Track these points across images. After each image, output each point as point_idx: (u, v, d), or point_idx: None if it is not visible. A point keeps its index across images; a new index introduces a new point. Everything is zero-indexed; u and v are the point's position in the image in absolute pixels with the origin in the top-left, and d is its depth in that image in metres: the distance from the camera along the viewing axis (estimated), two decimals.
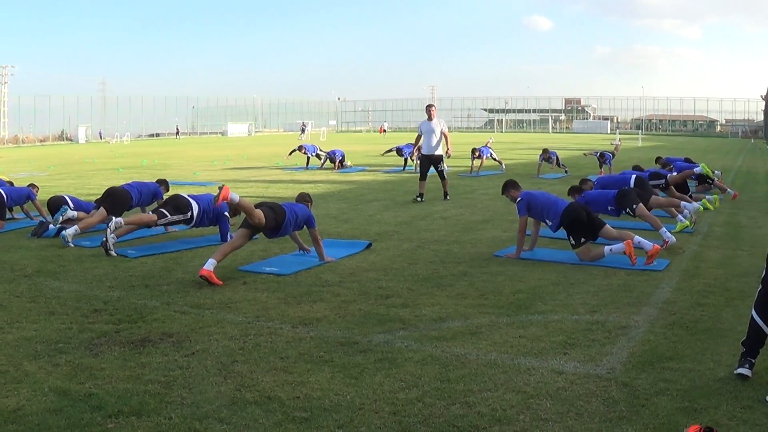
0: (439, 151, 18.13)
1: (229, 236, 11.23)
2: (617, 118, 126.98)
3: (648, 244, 9.72)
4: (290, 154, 32.71)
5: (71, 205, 12.75)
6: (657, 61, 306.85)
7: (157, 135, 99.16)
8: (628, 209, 11.65)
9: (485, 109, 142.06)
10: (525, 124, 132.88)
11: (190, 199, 11.41)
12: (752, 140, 77.09)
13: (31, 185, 14.58)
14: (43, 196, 14.91)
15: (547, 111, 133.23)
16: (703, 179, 18.51)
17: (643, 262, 9.64)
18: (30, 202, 14.22)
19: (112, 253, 10.43)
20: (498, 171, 26.99)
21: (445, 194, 18.14)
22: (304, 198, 10.59)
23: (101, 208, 11.91)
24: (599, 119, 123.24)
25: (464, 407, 4.93)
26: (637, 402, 5.00)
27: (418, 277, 9.16)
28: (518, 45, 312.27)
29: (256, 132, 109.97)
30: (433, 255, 10.61)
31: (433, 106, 18.65)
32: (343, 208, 16.21)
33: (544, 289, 8.52)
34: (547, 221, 10.44)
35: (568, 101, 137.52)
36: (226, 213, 11.63)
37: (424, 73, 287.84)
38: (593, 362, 5.89)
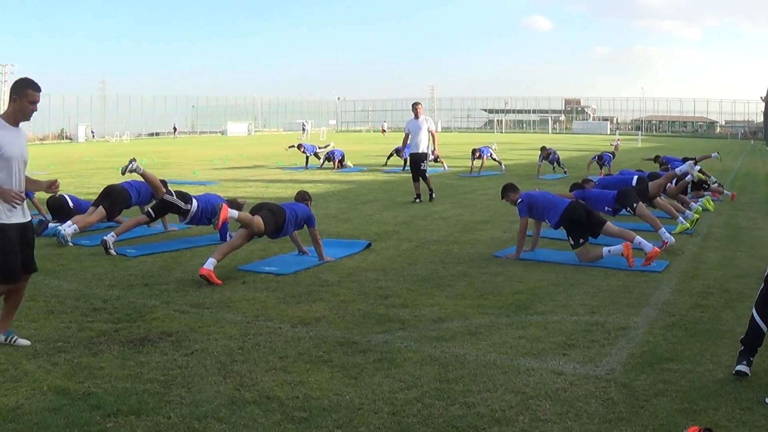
0: (423, 149, 17.87)
1: (228, 236, 11.24)
2: (617, 119, 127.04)
3: (648, 246, 9.72)
4: (289, 148, 32.80)
5: (71, 204, 12.74)
6: (657, 61, 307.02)
7: (157, 134, 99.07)
8: (628, 207, 11.65)
9: (485, 110, 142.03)
10: (525, 125, 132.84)
11: (191, 196, 11.46)
12: (752, 141, 77.09)
13: None
14: (42, 195, 14.89)
15: (546, 111, 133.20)
16: (697, 185, 18.38)
17: (642, 263, 9.63)
18: (29, 200, 14.18)
19: (112, 252, 10.44)
20: (498, 171, 26.96)
21: (431, 192, 18.03)
22: (303, 196, 10.58)
23: (100, 207, 11.89)
24: (599, 120, 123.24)
25: (463, 408, 4.93)
26: (637, 403, 5.00)
27: (418, 277, 9.16)
28: (518, 45, 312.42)
29: (255, 131, 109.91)
30: (432, 255, 10.61)
31: (419, 104, 18.44)
32: (342, 208, 16.21)
33: (543, 289, 8.52)
34: (548, 220, 10.43)
35: (567, 102, 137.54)
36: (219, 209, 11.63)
37: (424, 73, 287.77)
38: (592, 363, 5.89)
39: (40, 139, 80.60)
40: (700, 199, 16.19)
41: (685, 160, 21.29)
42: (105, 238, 10.56)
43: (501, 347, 6.31)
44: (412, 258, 10.38)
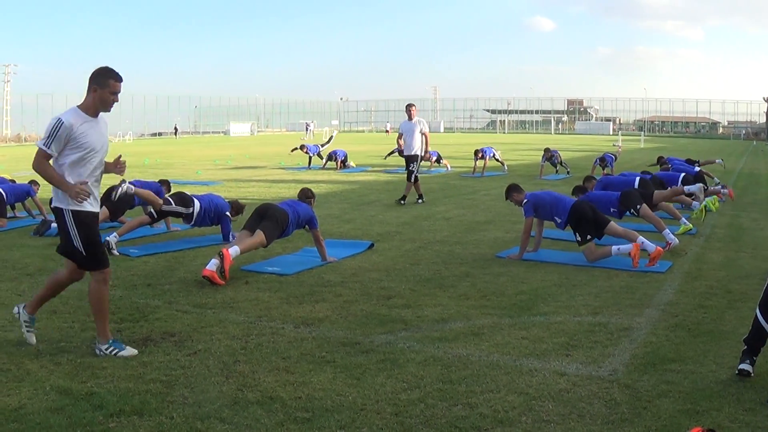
0: (416, 151, 17.63)
1: (231, 236, 11.24)
2: (619, 120, 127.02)
3: (651, 246, 9.71)
4: (292, 151, 32.81)
5: None
6: (659, 62, 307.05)
7: (160, 134, 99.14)
8: (632, 209, 11.65)
9: (487, 110, 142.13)
10: (527, 125, 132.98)
11: (193, 197, 11.45)
12: (754, 142, 77.00)
13: (33, 182, 14.55)
14: (45, 195, 14.91)
15: (549, 112, 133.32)
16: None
17: (645, 264, 9.63)
18: (30, 198, 14.22)
19: (115, 252, 10.43)
20: (500, 172, 26.95)
21: (403, 197, 17.59)
22: (306, 194, 10.56)
23: (103, 207, 11.88)
24: (602, 120, 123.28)
25: (466, 408, 4.92)
26: (639, 404, 5.00)
27: (421, 277, 9.16)
28: (521, 46, 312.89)
29: (258, 131, 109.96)
30: (435, 256, 10.60)
31: (413, 105, 18.12)
32: (345, 208, 16.21)
33: (546, 290, 8.51)
34: (556, 218, 10.43)
35: (570, 102, 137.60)
36: (228, 213, 11.63)
37: (427, 74, 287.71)
38: (595, 364, 5.88)
39: None
40: (704, 200, 16.19)
41: (689, 161, 21.34)
42: (108, 238, 10.55)
43: (504, 348, 6.30)
44: (414, 258, 10.38)
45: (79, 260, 6.13)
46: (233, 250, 8.84)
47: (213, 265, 8.66)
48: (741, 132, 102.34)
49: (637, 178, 13.95)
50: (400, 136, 18.12)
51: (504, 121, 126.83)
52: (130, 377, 5.49)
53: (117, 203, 11.96)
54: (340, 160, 29.22)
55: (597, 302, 7.93)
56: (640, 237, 9.96)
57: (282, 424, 4.65)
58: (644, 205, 11.72)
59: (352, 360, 5.96)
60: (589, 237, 10.07)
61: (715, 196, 15.94)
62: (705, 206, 13.85)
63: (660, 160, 21.15)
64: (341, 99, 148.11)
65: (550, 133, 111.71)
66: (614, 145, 40.56)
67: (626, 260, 9.86)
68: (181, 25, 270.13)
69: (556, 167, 26.60)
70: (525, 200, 10.63)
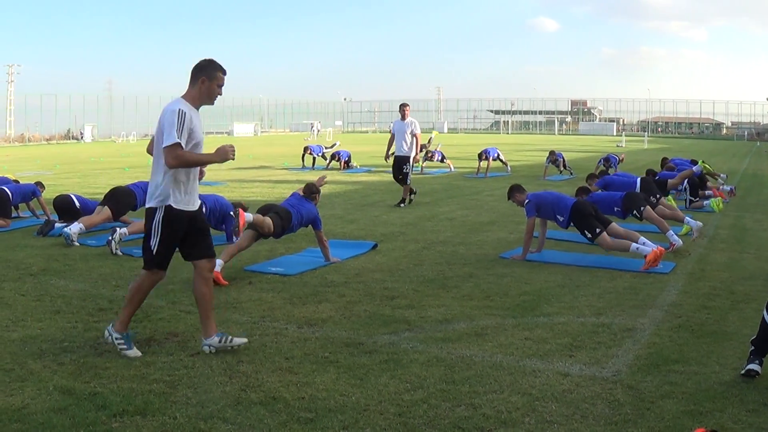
0: (407, 152, 17.37)
1: (234, 237, 11.23)
2: (623, 120, 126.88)
3: (648, 249, 9.68)
4: (303, 157, 32.18)
5: (77, 204, 12.77)
6: (663, 63, 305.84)
7: None
8: (635, 211, 11.64)
9: (491, 111, 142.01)
10: (531, 126, 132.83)
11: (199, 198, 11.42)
12: (758, 143, 76.94)
13: (38, 183, 14.56)
14: (49, 194, 14.93)
15: (553, 112, 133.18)
16: (700, 185, 18.20)
17: (641, 267, 9.61)
18: (35, 199, 14.23)
19: (118, 252, 10.43)
20: (504, 173, 26.95)
21: (402, 201, 17.22)
22: (311, 190, 10.48)
23: (106, 207, 11.89)
24: (605, 121, 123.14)
25: (469, 409, 4.92)
26: (643, 405, 5.00)
27: (424, 278, 9.16)
28: (524, 46, 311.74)
29: (262, 132, 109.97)
30: (438, 256, 10.60)
31: (407, 105, 17.78)
32: (348, 209, 16.22)
33: (549, 291, 8.51)
34: (558, 217, 10.44)
35: (574, 103, 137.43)
36: (232, 213, 11.61)
37: (430, 74, 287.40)
38: (599, 365, 5.88)
39: (47, 139, 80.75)
40: (707, 201, 16.21)
41: (693, 162, 21.33)
42: (117, 229, 10.52)
43: (507, 348, 6.30)
44: (418, 259, 10.38)
45: (146, 253, 6.19)
46: (248, 216, 8.94)
47: (218, 265, 8.65)
48: (745, 133, 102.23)
49: (639, 179, 13.96)
50: (392, 138, 17.80)
51: (508, 121, 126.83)
52: (134, 377, 5.50)
53: (119, 204, 11.96)
54: (343, 161, 29.24)
55: (600, 303, 7.93)
56: (642, 238, 9.97)
57: (285, 425, 4.65)
58: (648, 207, 11.72)
59: (355, 360, 5.96)
60: (598, 230, 10.08)
61: (719, 197, 15.96)
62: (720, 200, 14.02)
63: (664, 161, 21.15)
64: (345, 99, 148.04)
65: (554, 134, 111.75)
66: (618, 146, 40.55)
67: (630, 261, 9.87)
68: (184, 25, 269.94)
69: (560, 169, 26.59)
70: (527, 200, 10.64)
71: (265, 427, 4.61)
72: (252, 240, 9.37)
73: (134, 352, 6.05)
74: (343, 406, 4.97)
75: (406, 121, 17.41)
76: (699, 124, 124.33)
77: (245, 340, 6.25)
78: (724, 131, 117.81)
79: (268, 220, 9.27)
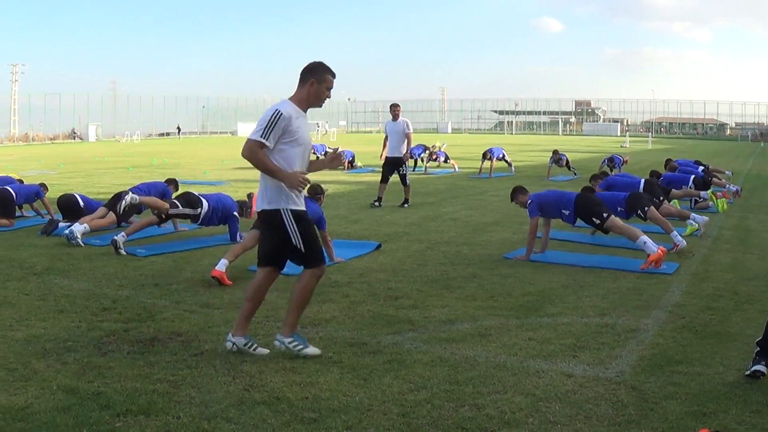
0: (400, 153, 17.16)
1: (238, 236, 11.24)
2: (627, 121, 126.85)
3: (652, 249, 9.67)
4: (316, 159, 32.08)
5: (81, 203, 12.78)
6: (667, 63, 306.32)
7: (167, 134, 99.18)
8: (639, 211, 11.64)
9: (495, 111, 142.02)
10: (535, 126, 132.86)
11: (201, 197, 11.45)
12: (762, 143, 76.85)
13: (42, 185, 14.56)
14: (53, 194, 14.94)
15: (557, 113, 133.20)
16: (703, 185, 18.19)
17: (641, 266, 9.61)
18: (39, 200, 14.23)
19: (122, 251, 10.44)
20: (508, 173, 26.94)
21: (406, 201, 17.14)
22: (316, 191, 10.52)
23: (111, 212, 11.89)
24: (609, 121, 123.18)
25: (473, 409, 4.92)
26: (646, 405, 4.99)
27: (428, 278, 9.16)
28: (528, 46, 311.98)
29: None
30: (442, 256, 10.60)
31: (398, 106, 17.52)
32: (352, 209, 16.23)
33: (553, 291, 8.51)
34: (564, 211, 10.48)
35: (578, 103, 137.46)
36: (235, 213, 11.64)
37: (434, 75, 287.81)
38: (602, 365, 5.88)
39: (51, 139, 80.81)
40: (711, 203, 16.21)
41: (697, 163, 21.35)
42: (115, 237, 10.58)
43: (511, 349, 6.30)
44: (422, 259, 10.38)
45: (298, 257, 6.11)
46: (220, 265, 8.80)
47: (222, 265, 8.67)
48: (749, 133, 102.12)
49: (642, 181, 13.96)
50: (386, 139, 17.59)
51: (512, 122, 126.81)
52: (137, 377, 5.50)
53: (124, 210, 11.98)
54: (347, 161, 29.24)
55: (604, 303, 7.93)
56: (642, 237, 9.98)
57: (289, 425, 4.65)
58: (652, 207, 11.72)
59: (359, 360, 5.96)
60: (606, 215, 10.12)
61: (723, 198, 15.94)
62: (713, 192, 14.01)
63: (668, 163, 21.17)
64: (349, 99, 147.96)
65: (558, 134, 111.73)
66: (622, 146, 40.53)
67: (633, 261, 9.88)
68: (188, 25, 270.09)
69: (565, 167, 26.57)
70: (529, 201, 10.64)
71: (269, 427, 4.61)
72: (257, 240, 9.36)
73: (312, 350, 6.07)
74: (346, 406, 4.97)
75: (398, 122, 17.21)
76: (703, 124, 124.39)
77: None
78: (728, 132, 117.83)
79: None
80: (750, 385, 5.41)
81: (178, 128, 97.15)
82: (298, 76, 6.07)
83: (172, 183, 13.36)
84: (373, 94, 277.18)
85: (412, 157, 28.33)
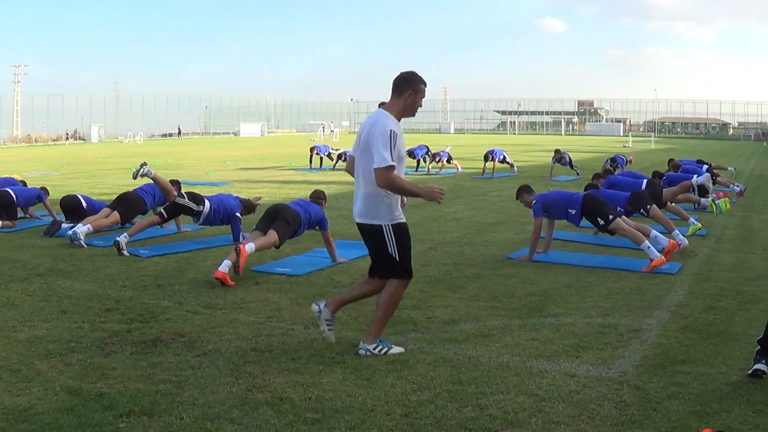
0: None
1: (241, 236, 11.25)
2: (630, 121, 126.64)
3: (655, 254, 9.67)
4: (311, 158, 31.86)
5: (84, 204, 12.78)
6: (669, 63, 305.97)
7: (170, 135, 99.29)
8: (642, 210, 11.64)
9: (498, 111, 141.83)
10: (538, 126, 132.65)
11: (204, 197, 11.48)
12: (765, 143, 76.74)
13: (43, 188, 14.56)
14: (56, 195, 14.95)
15: (559, 113, 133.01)
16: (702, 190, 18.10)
17: (641, 268, 9.60)
18: (41, 203, 14.22)
19: (125, 252, 10.45)
20: (510, 173, 26.93)
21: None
22: (318, 196, 10.60)
23: (114, 212, 11.91)
24: (612, 122, 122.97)
25: (476, 410, 4.92)
26: (650, 405, 4.99)
27: (431, 278, 9.15)
28: (531, 47, 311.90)
29: (268, 132, 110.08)
30: (445, 257, 10.60)
31: (386, 104, 17.42)
32: None
33: (556, 291, 8.50)
34: (570, 211, 10.49)
35: (580, 103, 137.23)
36: (238, 213, 11.65)
37: (437, 75, 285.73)
38: (605, 365, 5.87)
39: (54, 140, 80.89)
40: (717, 201, 16.18)
41: (699, 162, 21.33)
42: (118, 238, 10.59)
43: (514, 349, 6.30)
44: (425, 259, 10.37)
45: (389, 266, 6.16)
46: (249, 247, 8.87)
47: (225, 266, 8.66)
48: (751, 133, 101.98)
49: (645, 180, 13.96)
50: None
51: (514, 122, 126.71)
52: (140, 378, 5.50)
53: (128, 209, 12.00)
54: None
55: (607, 304, 7.92)
56: (654, 231, 10.00)
57: (292, 425, 4.65)
58: (654, 206, 11.72)
59: (361, 361, 5.96)
60: (611, 216, 10.12)
61: (726, 198, 15.92)
62: (713, 200, 13.93)
63: (670, 162, 21.15)
64: (351, 100, 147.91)
65: (561, 134, 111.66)
66: (625, 146, 40.48)
67: (636, 261, 9.88)
68: (191, 25, 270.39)
69: (568, 166, 26.54)
70: (534, 201, 10.64)
71: (272, 428, 4.61)
72: (272, 240, 9.40)
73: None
74: (349, 406, 4.97)
75: None
76: (706, 124, 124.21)
77: (402, 349, 6.23)
78: (731, 132, 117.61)
79: (270, 238, 9.27)
80: (753, 385, 5.40)
81: (179, 130, 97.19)
82: (392, 87, 6.18)
83: (176, 184, 13.36)
84: (376, 94, 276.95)
85: (413, 158, 28.37)
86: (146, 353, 6.11)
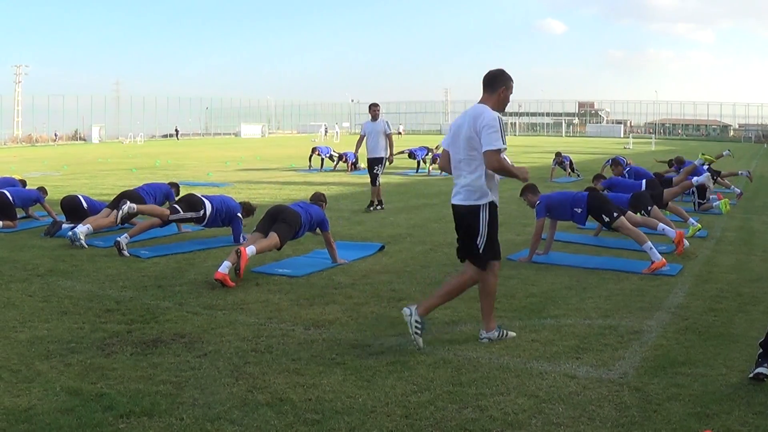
0: (380, 154, 16.77)
1: (242, 237, 11.25)
2: (630, 122, 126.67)
3: (656, 256, 9.67)
4: (311, 158, 31.88)
5: (85, 205, 12.77)
6: (670, 64, 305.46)
7: (171, 135, 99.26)
8: (643, 211, 11.64)
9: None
10: (538, 128, 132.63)
11: (204, 198, 11.43)
12: (765, 145, 76.77)
13: (41, 189, 14.53)
14: (57, 195, 14.95)
15: (560, 114, 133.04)
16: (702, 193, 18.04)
17: (642, 270, 9.61)
18: (38, 204, 14.20)
19: (125, 253, 10.45)
20: None
21: (371, 203, 16.71)
22: (318, 198, 10.61)
23: (114, 211, 11.89)
24: (612, 123, 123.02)
25: (476, 411, 4.92)
26: (650, 407, 4.99)
27: (431, 280, 9.15)
28: (532, 48, 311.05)
29: (269, 133, 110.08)
30: (445, 258, 10.59)
31: (377, 105, 17.18)
32: (355, 210, 16.22)
33: (556, 293, 8.50)
34: (576, 210, 10.51)
35: (581, 105, 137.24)
36: (239, 214, 11.65)
37: (438, 76, 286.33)
38: (605, 367, 5.87)
39: (54, 140, 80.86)
40: (717, 201, 16.19)
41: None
42: (118, 239, 10.59)
43: (514, 350, 6.30)
44: (425, 261, 10.38)
45: (477, 249, 6.49)
46: (250, 250, 8.85)
47: (225, 267, 8.65)
48: (752, 135, 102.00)
49: (644, 180, 13.97)
50: (361, 139, 17.42)
51: (515, 123, 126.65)
52: (140, 378, 5.50)
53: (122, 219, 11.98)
54: (350, 162, 29.23)
55: (607, 305, 7.92)
56: (661, 225, 10.04)
57: (292, 426, 4.65)
58: (655, 207, 11.73)
59: (362, 362, 5.96)
60: (616, 214, 10.14)
61: (726, 199, 15.93)
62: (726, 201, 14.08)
63: (670, 163, 21.16)
64: (352, 101, 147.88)
65: (561, 136, 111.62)
66: (625, 148, 40.45)
67: (636, 263, 9.88)
68: (192, 26, 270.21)
69: (567, 171, 26.55)
70: (538, 201, 10.65)
71: (272, 429, 4.61)
72: (272, 242, 9.39)
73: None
74: (350, 407, 4.97)
75: (378, 122, 16.92)
76: (706, 125, 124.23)
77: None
78: (732, 133, 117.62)
79: (271, 240, 9.25)
80: (753, 387, 5.40)
81: (176, 131, 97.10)
82: (483, 85, 6.46)
83: (174, 187, 13.39)
84: (377, 95, 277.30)
85: (414, 158, 28.38)
86: (146, 354, 6.11)
